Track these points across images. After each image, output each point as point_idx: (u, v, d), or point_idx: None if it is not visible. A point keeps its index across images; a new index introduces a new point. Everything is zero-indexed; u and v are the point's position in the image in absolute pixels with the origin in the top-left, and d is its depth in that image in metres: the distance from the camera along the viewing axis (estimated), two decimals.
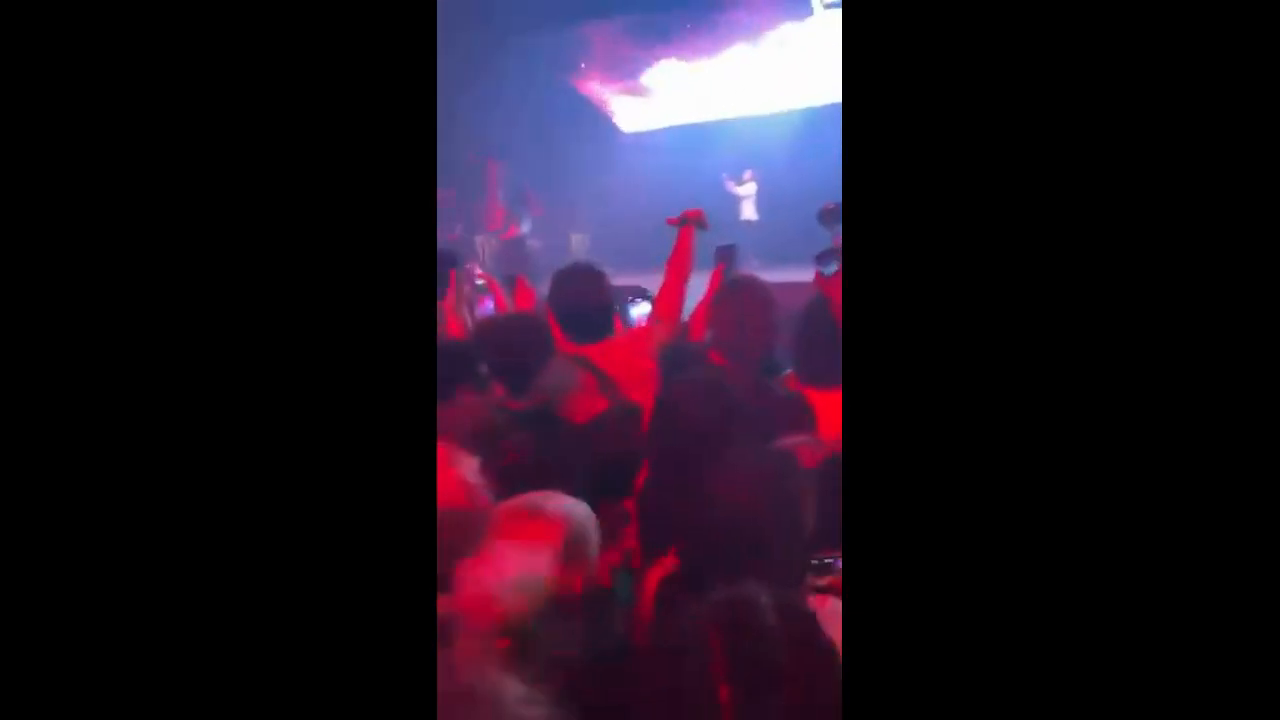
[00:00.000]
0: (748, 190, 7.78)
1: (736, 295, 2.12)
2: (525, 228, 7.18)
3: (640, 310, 2.15)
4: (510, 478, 1.54)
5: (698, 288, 2.42)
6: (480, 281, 2.79)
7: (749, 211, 7.72)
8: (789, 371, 2.05)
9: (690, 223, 2.26)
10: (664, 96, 8.95)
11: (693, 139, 8.49)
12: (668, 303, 2.24)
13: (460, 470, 1.58)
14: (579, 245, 7.82)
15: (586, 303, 2.14)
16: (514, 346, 1.93)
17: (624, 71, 8.92)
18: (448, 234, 6.58)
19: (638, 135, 9.09)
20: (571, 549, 1.11)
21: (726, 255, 2.48)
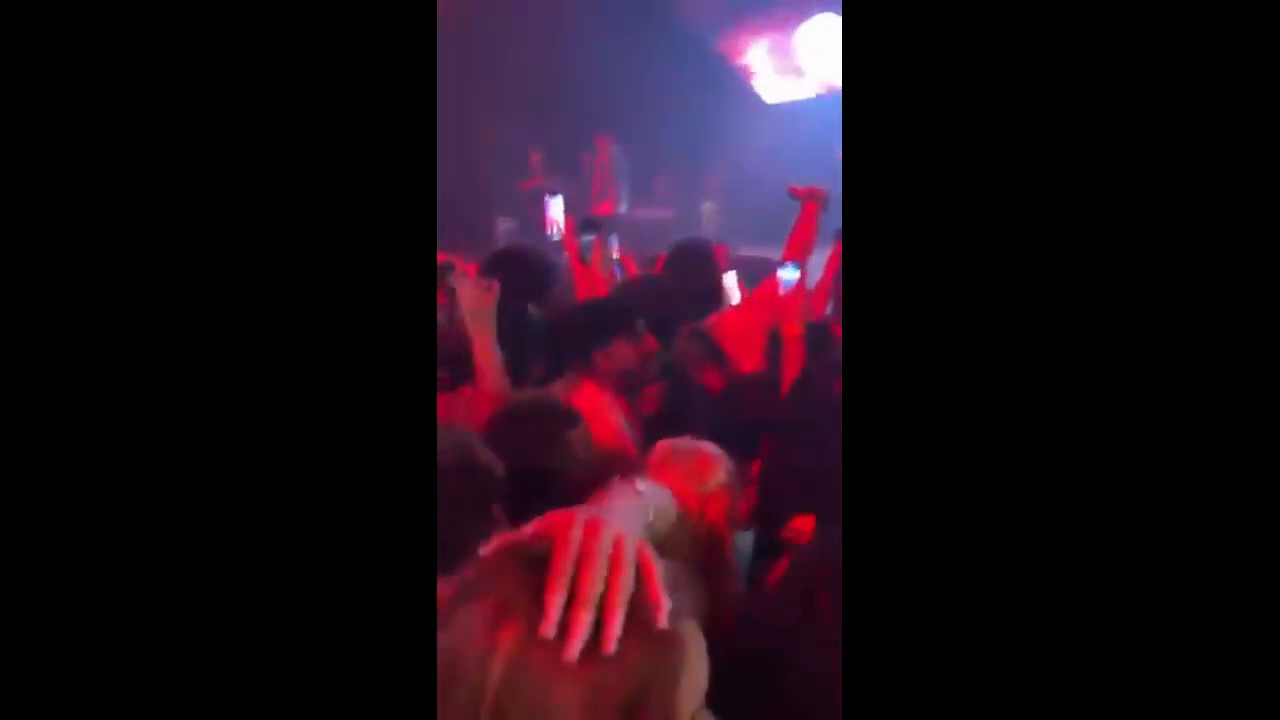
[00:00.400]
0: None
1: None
2: (622, 207, 7.14)
3: (788, 275, 2.05)
4: (650, 427, 1.64)
5: (815, 269, 2.32)
6: (615, 255, 2.79)
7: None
8: None
9: (814, 199, 2.16)
10: (812, 62, 8.55)
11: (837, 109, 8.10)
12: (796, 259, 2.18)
13: (612, 415, 1.67)
14: (710, 214, 7.70)
15: (698, 277, 2.11)
16: (660, 304, 1.96)
17: (773, 35, 8.59)
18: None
19: (779, 106, 8.78)
20: (723, 481, 1.21)
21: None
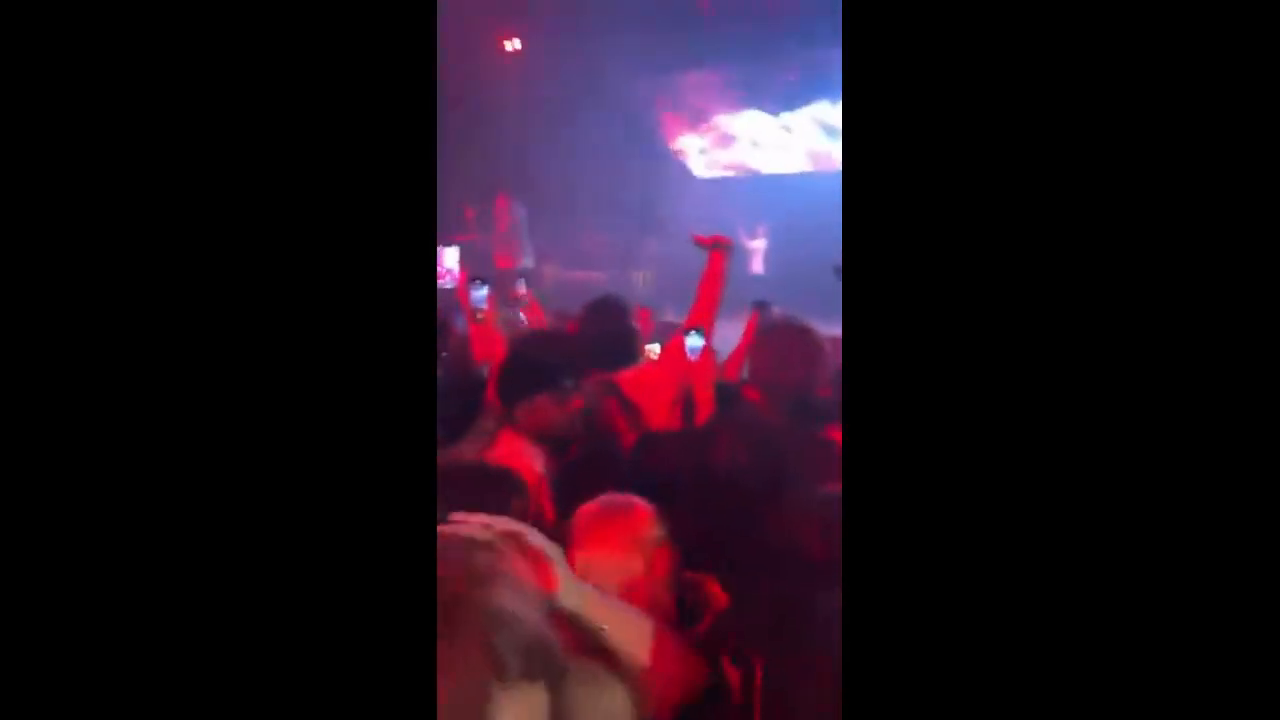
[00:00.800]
0: (758, 245, 7.79)
1: (779, 333, 2.08)
2: (527, 262, 7.24)
3: (695, 343, 2.14)
4: (565, 481, 1.63)
5: (732, 336, 2.42)
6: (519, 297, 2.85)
7: (757, 266, 7.81)
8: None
9: (720, 247, 2.25)
10: (744, 146, 9.04)
11: (768, 188, 8.54)
12: (700, 323, 2.23)
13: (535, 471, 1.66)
14: (644, 281, 7.92)
15: (613, 331, 2.17)
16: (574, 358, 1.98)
17: (706, 118, 9.06)
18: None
19: (710, 180, 9.19)
20: (663, 537, 1.18)
21: (762, 309, 2.50)
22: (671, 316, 3.64)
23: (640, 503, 1.23)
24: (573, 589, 0.86)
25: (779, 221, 7.92)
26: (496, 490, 1.35)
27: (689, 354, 2.07)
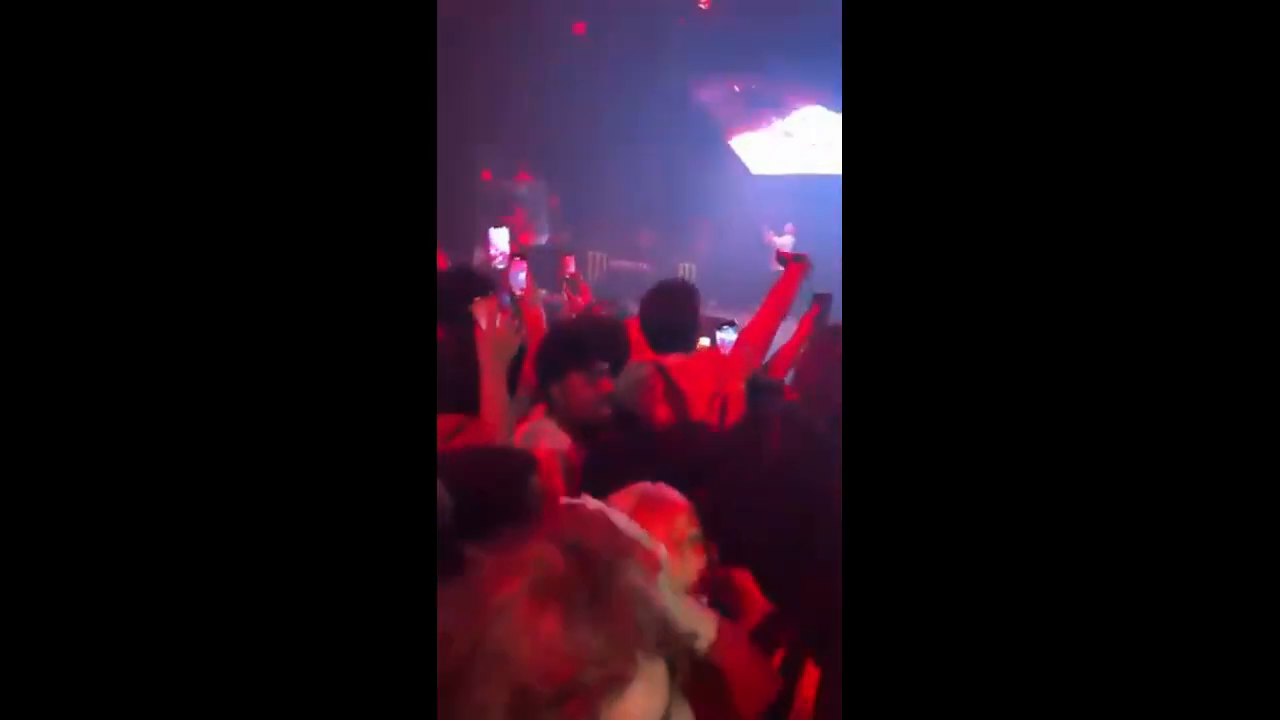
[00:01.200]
0: (785, 242, 7.71)
1: (828, 342, 2.05)
2: (542, 239, 7.23)
3: (726, 336, 2.13)
4: (593, 464, 1.62)
5: (785, 332, 2.40)
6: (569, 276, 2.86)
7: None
8: None
9: (800, 261, 2.24)
10: (801, 143, 8.92)
11: (823, 188, 8.42)
12: (758, 331, 2.21)
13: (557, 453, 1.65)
14: (686, 274, 7.89)
15: (674, 314, 2.15)
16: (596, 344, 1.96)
17: (766, 116, 8.96)
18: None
19: (765, 178, 9.10)
20: (699, 535, 1.14)
21: (823, 302, 2.45)
22: (714, 311, 3.63)
23: (677, 497, 1.18)
24: (668, 579, 0.82)
25: (826, 221, 7.81)
26: (507, 468, 1.33)
27: (720, 347, 2.05)
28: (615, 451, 1.74)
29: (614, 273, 7.88)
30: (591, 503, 0.80)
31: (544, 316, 2.57)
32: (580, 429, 1.81)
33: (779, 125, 9.00)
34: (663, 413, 1.99)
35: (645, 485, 1.21)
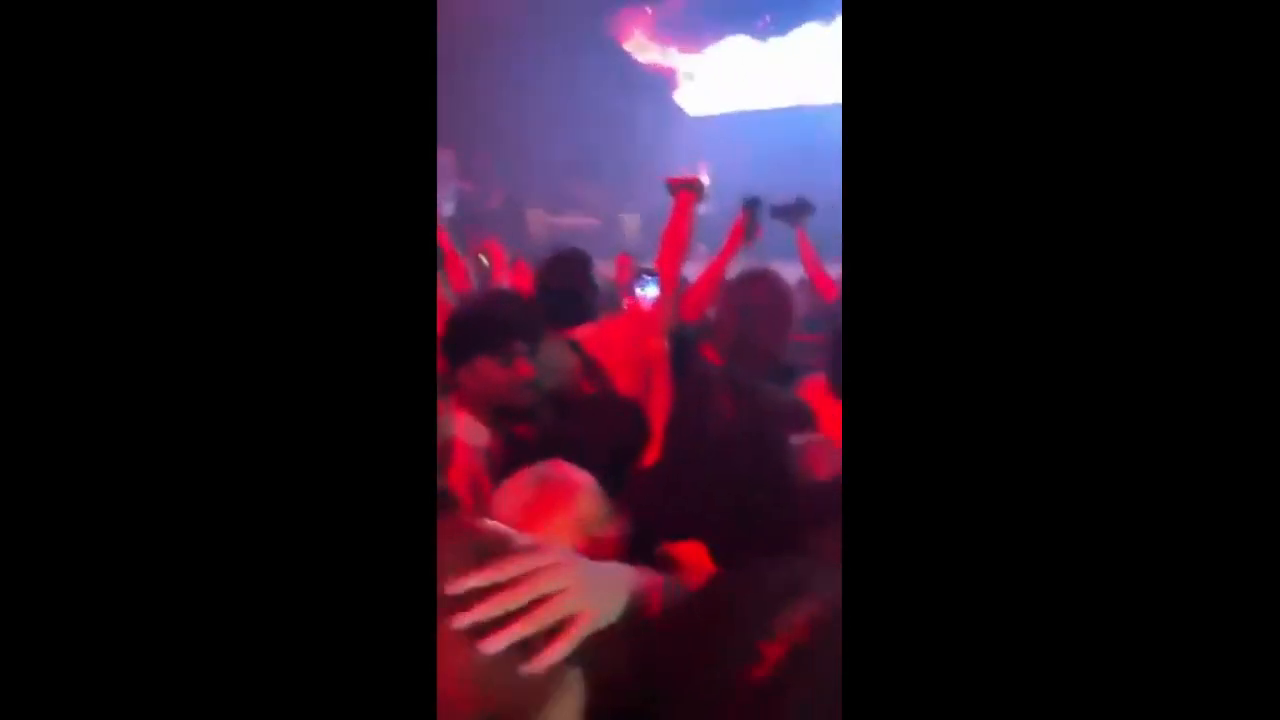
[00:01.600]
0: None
1: (746, 289, 1.93)
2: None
3: (647, 291, 1.99)
4: (515, 450, 1.52)
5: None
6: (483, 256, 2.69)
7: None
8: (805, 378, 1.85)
9: (689, 188, 2.05)
10: (732, 78, 8.66)
11: (763, 125, 8.20)
12: (664, 277, 2.05)
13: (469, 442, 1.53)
14: (630, 225, 7.68)
15: (570, 286, 2.02)
16: (503, 322, 1.82)
17: (691, 46, 8.66)
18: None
19: (702, 119, 8.86)
20: (603, 517, 1.06)
21: (751, 208, 2.28)
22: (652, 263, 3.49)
23: (575, 474, 1.07)
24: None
25: (768, 159, 7.61)
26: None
27: (643, 303, 1.92)
28: (537, 439, 1.64)
29: (558, 231, 7.65)
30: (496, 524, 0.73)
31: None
32: (498, 417, 1.69)
33: (709, 59, 8.72)
34: (588, 390, 1.88)
35: (539, 467, 1.10)
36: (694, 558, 1.15)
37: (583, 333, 1.96)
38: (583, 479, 1.09)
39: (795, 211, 2.63)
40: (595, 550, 1.03)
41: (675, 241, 2.02)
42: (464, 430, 1.65)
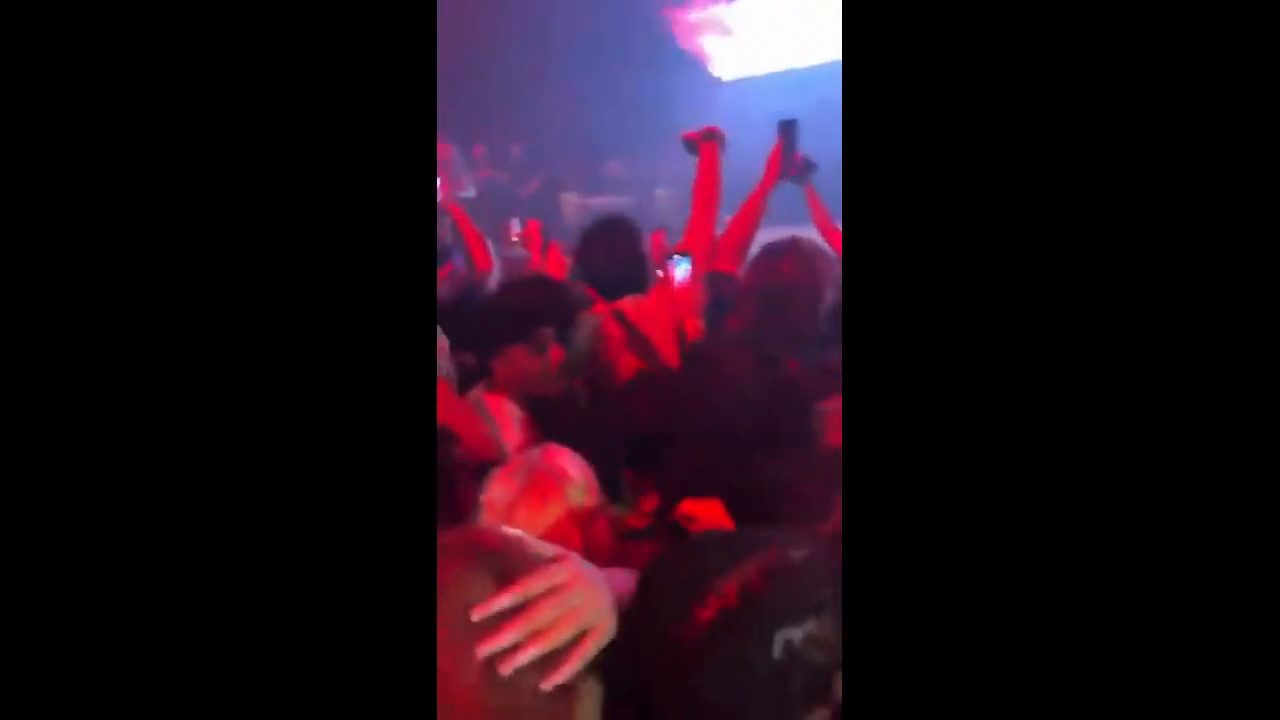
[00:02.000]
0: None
1: (777, 263, 1.83)
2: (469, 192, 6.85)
3: (679, 267, 1.94)
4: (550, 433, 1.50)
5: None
6: (516, 239, 2.64)
7: None
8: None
9: (711, 139, 1.98)
10: (759, 39, 8.41)
11: (796, 84, 7.94)
12: (697, 234, 1.98)
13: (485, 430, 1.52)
14: (664, 201, 7.55)
15: (616, 257, 1.96)
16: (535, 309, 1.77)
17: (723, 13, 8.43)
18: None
19: (735, 82, 8.63)
20: (594, 506, 1.05)
21: (789, 131, 2.19)
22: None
23: (568, 465, 1.04)
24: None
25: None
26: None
27: (677, 280, 1.85)
28: (574, 417, 1.60)
29: (595, 213, 7.58)
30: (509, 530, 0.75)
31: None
32: (536, 403, 1.66)
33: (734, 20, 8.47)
34: (628, 363, 1.83)
35: (532, 456, 1.08)
36: (711, 515, 1.13)
37: (627, 304, 1.91)
38: (574, 468, 1.06)
39: (801, 170, 2.57)
40: (589, 538, 1.03)
41: (707, 194, 1.97)
42: (506, 419, 1.62)
